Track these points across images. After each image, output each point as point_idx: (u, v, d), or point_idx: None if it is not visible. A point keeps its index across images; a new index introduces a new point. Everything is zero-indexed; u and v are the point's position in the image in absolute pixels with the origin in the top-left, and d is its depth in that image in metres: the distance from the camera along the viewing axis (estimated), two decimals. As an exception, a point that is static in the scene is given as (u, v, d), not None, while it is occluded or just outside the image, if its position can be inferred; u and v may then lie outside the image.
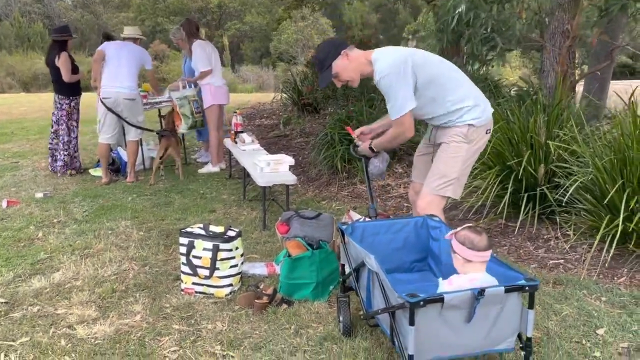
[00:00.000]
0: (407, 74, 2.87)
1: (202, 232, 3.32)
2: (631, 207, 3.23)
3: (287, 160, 4.53)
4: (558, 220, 3.94)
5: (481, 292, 2.02)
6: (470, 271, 2.22)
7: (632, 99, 3.71)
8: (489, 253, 2.22)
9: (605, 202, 3.30)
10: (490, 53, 4.57)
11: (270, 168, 4.45)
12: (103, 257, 3.89)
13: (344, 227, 2.77)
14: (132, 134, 6.08)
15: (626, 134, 3.53)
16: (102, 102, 5.87)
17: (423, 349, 2.06)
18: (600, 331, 2.79)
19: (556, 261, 3.71)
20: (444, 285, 2.23)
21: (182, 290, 3.32)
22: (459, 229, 2.31)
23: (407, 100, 2.89)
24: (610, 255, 3.47)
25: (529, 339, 2.17)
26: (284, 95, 10.63)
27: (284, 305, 3.11)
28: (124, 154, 6.53)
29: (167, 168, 6.54)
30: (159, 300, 3.23)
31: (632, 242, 3.34)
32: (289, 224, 3.50)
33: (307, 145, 7.44)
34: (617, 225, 3.33)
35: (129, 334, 2.86)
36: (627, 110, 4.79)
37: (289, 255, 3.17)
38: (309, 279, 3.15)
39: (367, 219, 3.80)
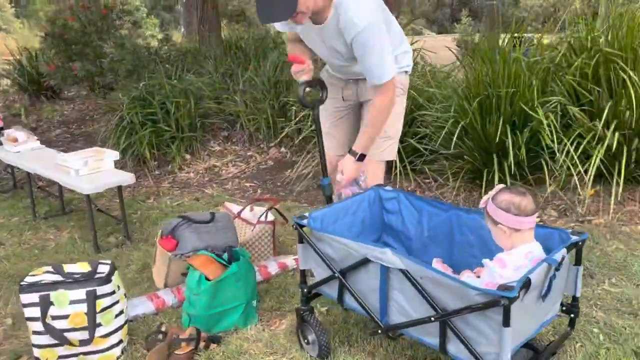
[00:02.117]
0: (382, 22, 2.20)
1: (58, 277, 2.18)
2: (519, 145, 3.29)
3: (109, 154, 3.39)
4: (427, 169, 3.86)
5: (561, 262, 1.67)
6: (518, 243, 1.80)
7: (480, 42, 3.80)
8: (536, 216, 1.84)
9: (489, 143, 3.29)
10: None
11: (89, 168, 3.27)
12: None
13: (303, 220, 2.08)
14: None
15: (485, 72, 3.57)
16: None
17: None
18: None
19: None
20: (496, 268, 1.78)
21: (42, 373, 2.14)
22: (493, 192, 1.85)
23: (392, 60, 2.24)
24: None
25: (576, 299, 1.92)
26: (6, 81, 8.41)
27: (213, 346, 2.27)
28: None
29: None
30: (12, 401, 2.02)
31: (519, 178, 3.43)
32: (176, 237, 2.57)
33: (77, 136, 5.95)
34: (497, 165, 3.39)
35: None
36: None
37: (207, 278, 2.30)
38: (238, 300, 2.35)
39: (247, 209, 3.09)
